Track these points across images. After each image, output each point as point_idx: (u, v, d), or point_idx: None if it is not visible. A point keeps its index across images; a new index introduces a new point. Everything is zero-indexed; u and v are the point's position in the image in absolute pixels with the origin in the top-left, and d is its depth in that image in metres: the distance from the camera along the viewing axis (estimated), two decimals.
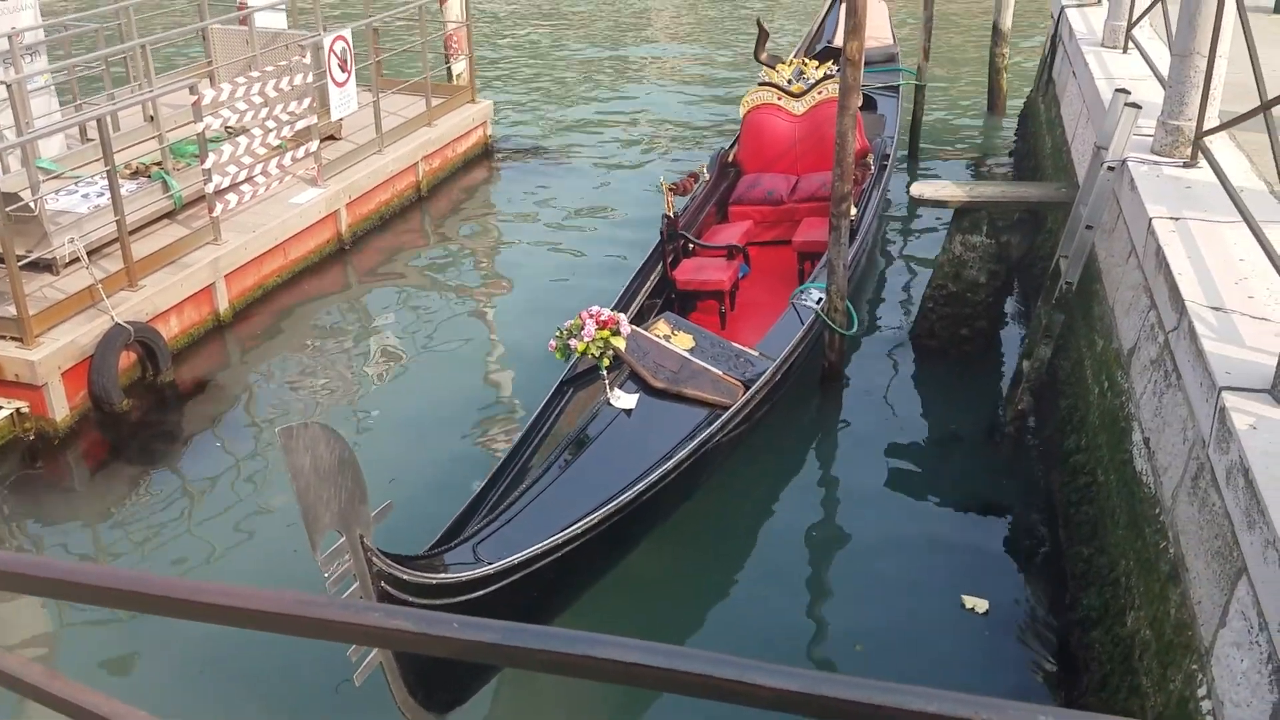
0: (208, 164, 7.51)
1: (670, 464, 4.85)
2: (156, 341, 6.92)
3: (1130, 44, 7.64)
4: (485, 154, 11.29)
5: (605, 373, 5.18)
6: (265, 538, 5.68)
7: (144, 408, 6.84)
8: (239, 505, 5.95)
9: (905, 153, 10.53)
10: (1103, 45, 7.91)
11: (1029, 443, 6.18)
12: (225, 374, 7.36)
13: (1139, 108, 5.50)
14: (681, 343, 5.76)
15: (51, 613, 5.26)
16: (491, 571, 4.00)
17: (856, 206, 7.25)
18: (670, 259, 7.10)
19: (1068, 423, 5.64)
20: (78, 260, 6.80)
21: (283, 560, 5.40)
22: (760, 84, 8.60)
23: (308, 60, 8.49)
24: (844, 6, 6.11)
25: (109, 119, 7.03)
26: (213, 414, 6.88)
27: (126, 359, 6.83)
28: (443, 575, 3.90)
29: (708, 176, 8.02)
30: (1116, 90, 5.72)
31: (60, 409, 6.45)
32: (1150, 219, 4.79)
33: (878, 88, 10.02)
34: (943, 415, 6.66)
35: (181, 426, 6.82)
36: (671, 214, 7.13)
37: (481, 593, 3.97)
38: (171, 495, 6.12)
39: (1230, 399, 3.47)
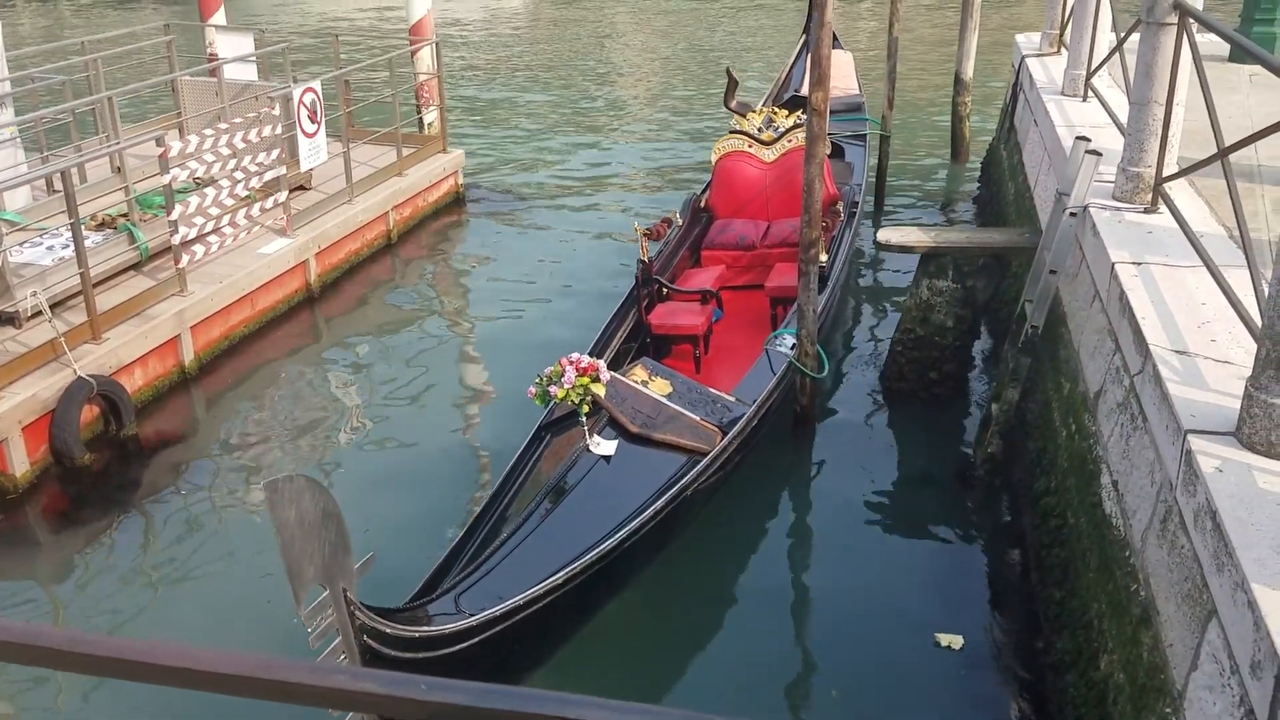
0: (174, 215, 7.47)
1: (650, 511, 4.84)
2: (120, 395, 6.83)
3: (1090, 92, 7.80)
4: (457, 202, 11.32)
5: (584, 419, 5.18)
6: (233, 593, 5.57)
7: (106, 462, 6.72)
8: (205, 561, 5.84)
9: (872, 200, 10.66)
10: (1063, 94, 8.07)
11: (1000, 485, 6.20)
12: (190, 427, 7.26)
13: (1099, 155, 5.60)
14: (659, 388, 5.77)
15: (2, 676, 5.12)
16: (475, 623, 3.97)
17: (827, 252, 7.33)
18: (645, 303, 7.14)
19: (1037, 465, 5.67)
20: (41, 313, 6.72)
21: (252, 616, 5.30)
22: (731, 132, 8.73)
23: (277, 112, 8.50)
24: (809, 57, 6.21)
25: (73, 171, 6.98)
26: (177, 468, 6.77)
27: (89, 413, 6.72)
28: (426, 628, 3.86)
29: (680, 222, 8.09)
30: (1077, 138, 5.82)
31: (20, 464, 6.34)
32: (1113, 264, 4.86)
33: (845, 136, 10.19)
34: (915, 458, 6.69)
35: (145, 481, 6.70)
36: (645, 259, 7.17)
37: (465, 644, 3.93)
38: (134, 552, 6.00)
39: (1196, 442, 3.50)
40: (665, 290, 7.41)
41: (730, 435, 5.55)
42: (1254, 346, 3.55)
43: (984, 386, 7.22)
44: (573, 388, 5.09)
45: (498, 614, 4.03)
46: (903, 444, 6.85)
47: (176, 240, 7.53)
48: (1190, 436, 3.54)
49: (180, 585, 5.68)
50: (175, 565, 5.84)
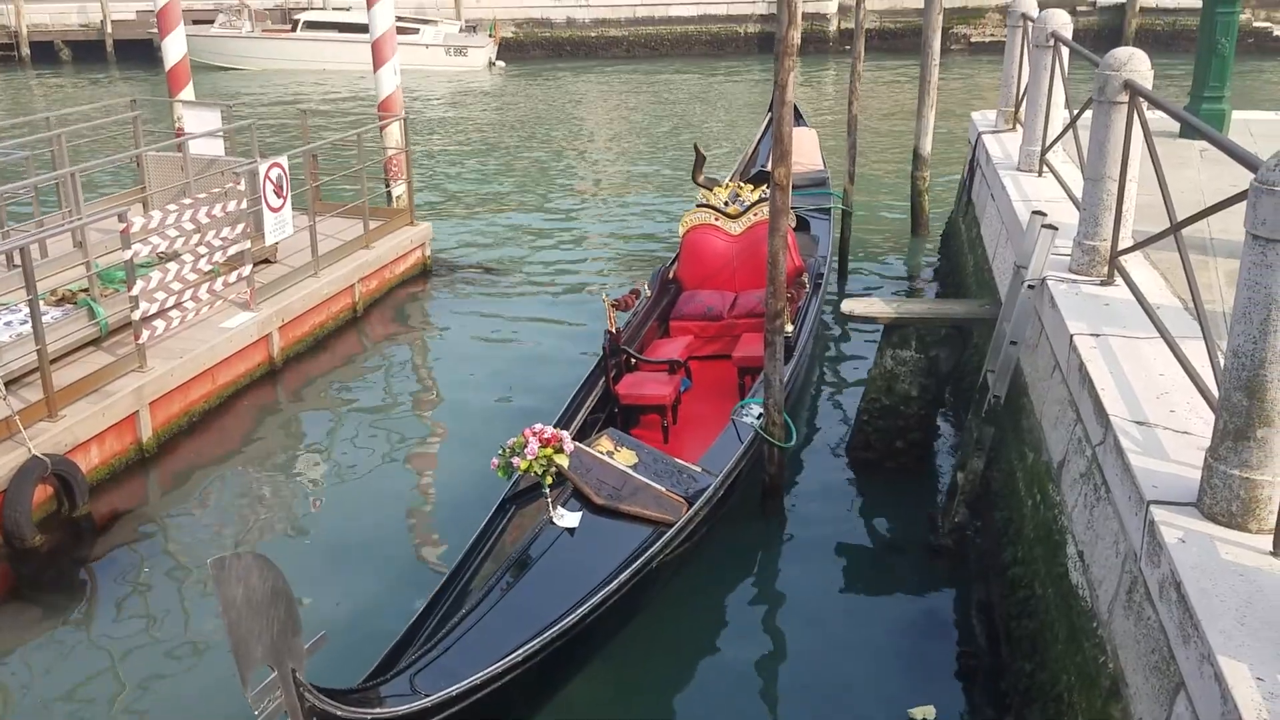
0: (135, 290, 7.41)
1: (614, 585, 4.77)
2: (74, 474, 6.69)
3: (1045, 168, 7.97)
4: (424, 274, 11.35)
5: (548, 490, 5.13)
6: (190, 678, 5.41)
7: (58, 544, 6.55)
8: (161, 646, 5.67)
9: (836, 273, 10.79)
10: (1018, 169, 8.25)
11: (968, 555, 6.18)
12: (146, 506, 7.11)
13: (1055, 229, 5.70)
14: (624, 459, 5.74)
15: None
16: (430, 704, 3.87)
17: (793, 323, 7.39)
18: (613, 374, 7.13)
19: (1004, 535, 5.66)
20: None
21: (211, 701, 5.14)
22: (698, 205, 8.86)
23: (242, 187, 8.51)
24: (772, 133, 6.33)
25: (33, 247, 6.92)
26: (132, 549, 6.60)
27: (42, 492, 6.57)
28: (378, 710, 3.76)
29: (649, 293, 8.14)
30: (1033, 212, 5.93)
31: None
32: (1072, 335, 4.91)
33: (810, 209, 10.36)
34: (883, 527, 6.67)
35: (98, 563, 6.52)
36: (613, 329, 7.19)
37: None
38: (86, 637, 5.82)
39: (1158, 513, 3.51)
40: (633, 361, 7.42)
41: (696, 506, 5.52)
42: (1212, 417, 3.59)
43: (950, 455, 7.24)
44: (536, 459, 5.05)
45: (454, 694, 3.93)
46: (871, 513, 6.84)
47: (137, 316, 7.45)
48: (1153, 507, 3.55)
49: (135, 671, 5.50)
50: (129, 650, 5.66)
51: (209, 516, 6.95)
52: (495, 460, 5.22)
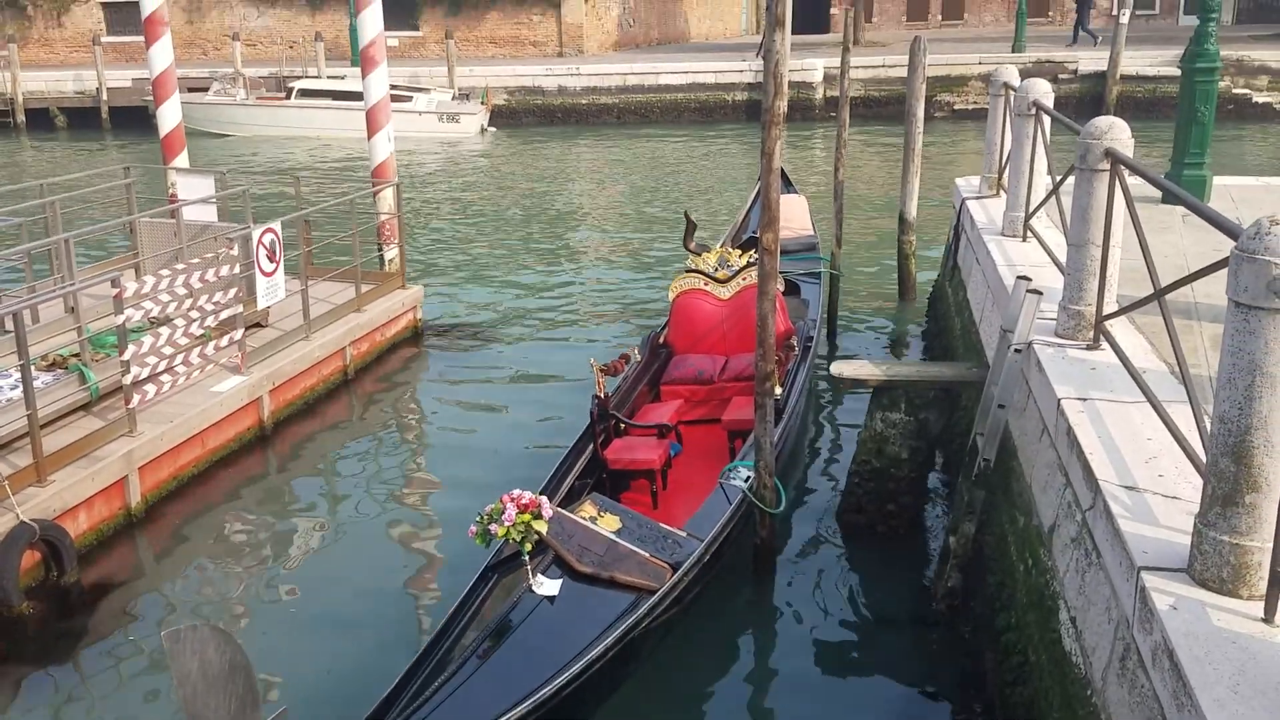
0: (126, 355, 7.42)
1: (595, 653, 4.71)
2: (62, 540, 6.64)
3: (1029, 233, 8.08)
4: (415, 337, 11.38)
5: (528, 557, 5.09)
6: None
7: (45, 610, 6.47)
8: (148, 717, 5.58)
9: (825, 336, 10.86)
10: (1003, 234, 8.35)
11: (962, 620, 6.14)
12: (135, 572, 7.04)
13: (1040, 294, 5.77)
14: (608, 524, 5.70)
15: None
16: None
17: (782, 386, 7.41)
18: (601, 439, 7.12)
19: (997, 599, 5.64)
20: None
21: None
22: (687, 271, 8.94)
23: (235, 252, 8.56)
24: (760, 200, 6.43)
25: (25, 312, 6.94)
26: (120, 616, 6.53)
27: (29, 559, 6.51)
28: None
29: (639, 358, 8.17)
30: (1018, 277, 6.01)
31: None
32: (1059, 399, 4.95)
33: (800, 274, 10.46)
34: (875, 591, 6.63)
35: (85, 630, 6.44)
36: (602, 394, 7.20)
37: None
38: (72, 708, 5.72)
39: (1149, 579, 3.51)
40: (622, 426, 7.42)
41: (681, 572, 5.48)
42: (1200, 482, 3.61)
43: (941, 518, 7.23)
44: (513, 525, 5.00)
45: None
46: (863, 577, 6.80)
47: (128, 380, 7.45)
48: (1144, 574, 3.55)
49: None
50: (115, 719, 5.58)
51: (197, 582, 6.88)
52: (473, 527, 5.17)
